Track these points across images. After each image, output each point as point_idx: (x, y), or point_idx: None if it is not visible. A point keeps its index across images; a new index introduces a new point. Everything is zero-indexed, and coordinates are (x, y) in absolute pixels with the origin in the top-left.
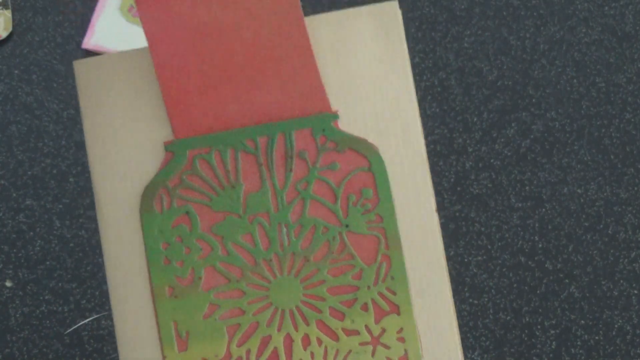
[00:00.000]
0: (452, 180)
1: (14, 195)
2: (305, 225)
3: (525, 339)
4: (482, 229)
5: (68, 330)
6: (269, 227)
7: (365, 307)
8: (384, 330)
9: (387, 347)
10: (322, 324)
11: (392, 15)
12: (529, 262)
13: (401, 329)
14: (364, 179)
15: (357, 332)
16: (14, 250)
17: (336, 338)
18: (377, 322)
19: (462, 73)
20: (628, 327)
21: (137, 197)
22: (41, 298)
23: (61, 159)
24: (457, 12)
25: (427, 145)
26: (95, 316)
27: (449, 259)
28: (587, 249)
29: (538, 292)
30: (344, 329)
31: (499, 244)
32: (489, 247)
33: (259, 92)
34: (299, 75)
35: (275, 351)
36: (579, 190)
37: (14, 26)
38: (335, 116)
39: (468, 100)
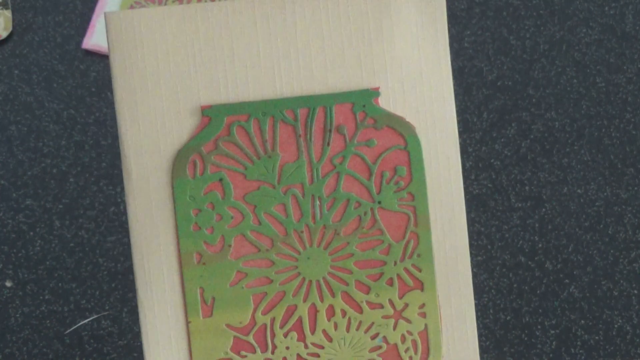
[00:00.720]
0: None
1: (14, 195)
2: (339, 199)
3: (525, 339)
4: (482, 229)
5: (68, 330)
6: (302, 199)
7: (390, 282)
8: (406, 305)
9: (408, 321)
10: (347, 296)
11: (439, 3)
12: (529, 262)
13: (423, 305)
14: (399, 157)
15: (380, 306)
16: (14, 250)
17: (360, 310)
18: (400, 296)
19: (462, 73)
20: (628, 327)
21: (169, 161)
22: (41, 298)
23: (61, 159)
24: (457, 12)
25: None
26: (95, 316)
27: None
28: (587, 249)
29: (538, 292)
30: (368, 302)
31: (499, 244)
32: (489, 247)
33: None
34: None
35: (299, 320)
36: (579, 190)
37: (14, 26)
38: (376, 93)
39: (468, 100)
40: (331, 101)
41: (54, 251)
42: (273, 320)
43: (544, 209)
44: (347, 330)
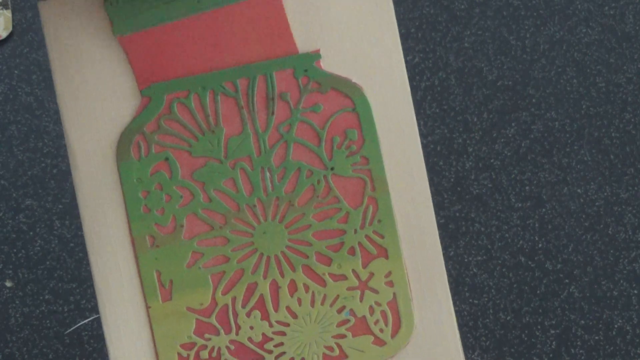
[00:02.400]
0: (452, 180)
1: (14, 195)
2: (289, 169)
3: (525, 339)
4: (482, 229)
5: (68, 330)
6: (252, 172)
7: (352, 251)
8: (372, 275)
9: (375, 291)
10: (308, 269)
11: None
12: (529, 262)
13: (389, 273)
14: (349, 120)
15: (344, 277)
16: (14, 250)
17: (323, 283)
18: (364, 266)
19: (462, 73)
20: (628, 327)
21: (113, 146)
22: (41, 298)
23: (61, 159)
24: (457, 12)
25: (427, 145)
26: (95, 316)
27: (449, 259)
28: (587, 249)
29: (538, 292)
30: (330, 274)
31: (499, 244)
32: (489, 247)
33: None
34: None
35: (261, 298)
36: (579, 190)
37: (14, 26)
38: (317, 56)
39: (468, 100)
40: (271, 68)
41: (54, 251)
42: (234, 299)
43: (544, 209)
44: (312, 305)
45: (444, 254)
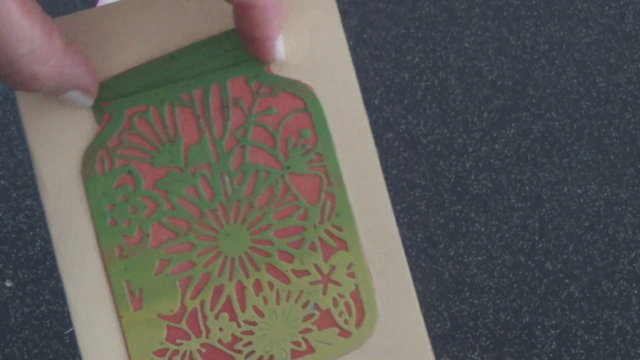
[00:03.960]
0: (452, 180)
1: (14, 195)
2: (247, 172)
3: (525, 339)
4: (482, 229)
5: (68, 330)
6: (212, 178)
7: (313, 247)
8: (333, 268)
9: (337, 283)
10: (272, 267)
11: None
12: (529, 262)
13: (350, 265)
14: (301, 120)
15: (307, 272)
16: (14, 250)
17: (287, 280)
18: (325, 260)
19: (462, 73)
20: (628, 327)
21: (78, 162)
22: (41, 298)
23: None
24: (457, 12)
25: (427, 145)
26: None
27: (449, 258)
28: (587, 249)
29: (538, 292)
30: (293, 271)
31: (499, 244)
32: (489, 247)
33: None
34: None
35: (228, 300)
36: (579, 190)
37: None
38: (267, 62)
39: (468, 100)
40: (224, 77)
41: (54, 251)
42: (202, 303)
43: (544, 209)
44: (277, 302)
45: (444, 254)
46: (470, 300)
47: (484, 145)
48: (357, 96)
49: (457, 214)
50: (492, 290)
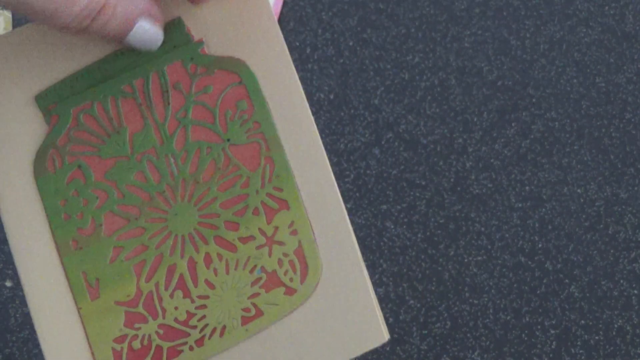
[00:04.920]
0: (452, 180)
1: None
2: (190, 150)
3: (525, 339)
4: (482, 229)
5: None
6: (157, 161)
7: (256, 212)
8: (276, 229)
9: (281, 243)
10: (220, 239)
11: None
12: (529, 262)
13: (292, 223)
14: (238, 93)
15: (252, 238)
16: None
17: (234, 249)
18: (269, 222)
19: (462, 73)
20: (628, 327)
21: (30, 163)
22: None
23: None
24: (457, 12)
25: (427, 145)
26: None
27: (449, 258)
28: (587, 249)
29: (538, 292)
30: (240, 238)
31: (499, 244)
32: (489, 247)
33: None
34: None
35: (181, 277)
36: (579, 190)
37: (14, 26)
38: (200, 44)
39: (468, 100)
40: (162, 64)
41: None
42: (157, 285)
43: (544, 209)
44: (227, 272)
45: (444, 254)
46: (470, 300)
47: (484, 145)
48: (287, 62)
49: (457, 214)
50: (492, 290)
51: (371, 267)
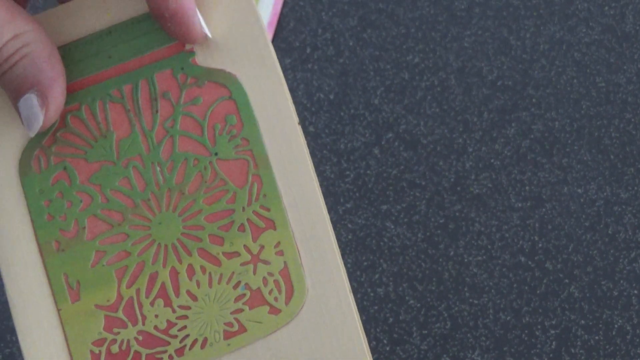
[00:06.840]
0: (452, 180)
1: None
2: (177, 161)
3: (525, 339)
4: (482, 229)
5: None
6: (143, 169)
7: (242, 228)
8: (262, 247)
9: (267, 262)
10: (203, 251)
11: None
12: (529, 262)
13: (278, 243)
14: (227, 107)
15: (237, 254)
16: None
17: (218, 263)
18: (255, 240)
19: (462, 73)
20: (628, 327)
21: (15, 163)
22: None
23: None
24: (457, 12)
25: (427, 145)
26: None
27: (449, 258)
28: (587, 249)
29: (538, 292)
30: (224, 253)
31: (499, 244)
32: (489, 247)
33: None
34: None
35: (163, 286)
36: (579, 190)
37: None
38: (191, 54)
39: (468, 100)
40: (151, 72)
41: None
42: (138, 291)
43: (544, 209)
44: (210, 285)
45: (444, 254)
46: (470, 300)
47: (484, 145)
48: (278, 78)
49: (457, 214)
50: (492, 290)
51: (371, 267)
